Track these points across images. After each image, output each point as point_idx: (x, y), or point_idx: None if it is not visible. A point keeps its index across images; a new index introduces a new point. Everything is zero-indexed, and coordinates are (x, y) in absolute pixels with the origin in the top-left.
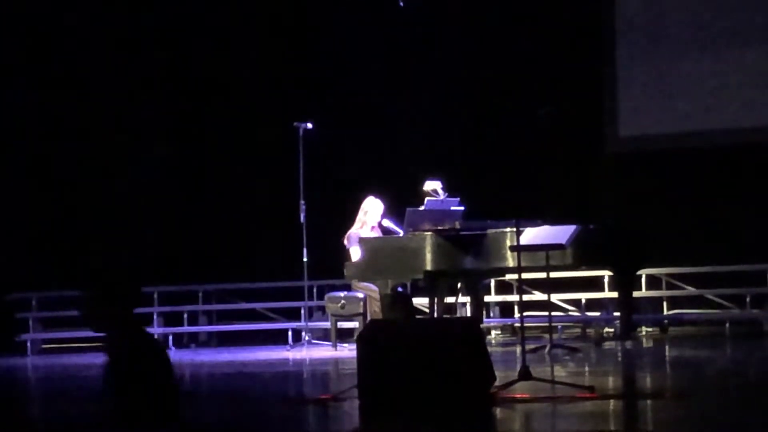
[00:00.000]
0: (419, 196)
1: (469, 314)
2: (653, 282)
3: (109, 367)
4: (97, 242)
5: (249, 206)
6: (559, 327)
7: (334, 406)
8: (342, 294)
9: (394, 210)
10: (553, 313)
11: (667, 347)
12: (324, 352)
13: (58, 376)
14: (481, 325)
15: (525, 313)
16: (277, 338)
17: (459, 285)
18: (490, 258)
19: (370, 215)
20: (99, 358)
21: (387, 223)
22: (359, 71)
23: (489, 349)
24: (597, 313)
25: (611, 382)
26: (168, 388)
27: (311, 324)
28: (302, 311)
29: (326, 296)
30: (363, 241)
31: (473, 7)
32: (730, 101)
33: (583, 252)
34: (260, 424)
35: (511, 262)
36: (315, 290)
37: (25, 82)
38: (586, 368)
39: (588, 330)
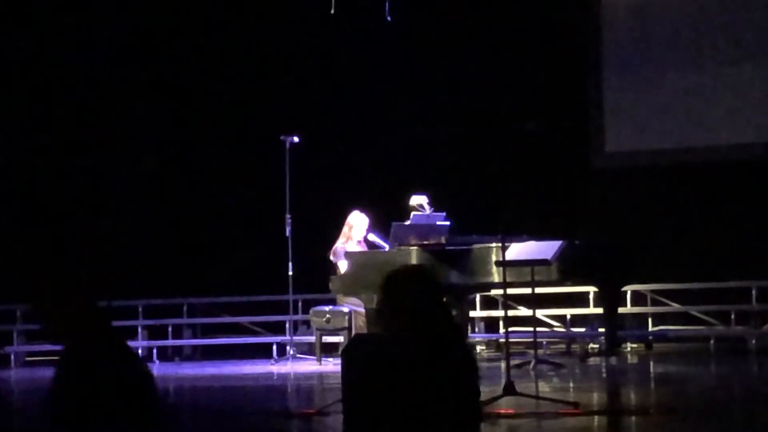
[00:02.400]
0: (405, 210)
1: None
2: (638, 298)
3: (54, 385)
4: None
5: (234, 219)
6: (544, 342)
7: (318, 420)
8: (327, 308)
9: (380, 224)
10: (538, 329)
11: (651, 363)
12: (309, 366)
13: (42, 388)
14: (467, 340)
15: (510, 329)
16: (262, 352)
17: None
18: (475, 273)
19: (356, 230)
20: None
21: (373, 237)
22: (346, 85)
23: None
24: (582, 329)
25: (596, 397)
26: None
27: (296, 338)
28: (287, 325)
29: (311, 310)
30: (349, 255)
31: (460, 23)
32: (715, 118)
33: (568, 267)
34: None
35: (496, 277)
36: (300, 304)
37: (6, 92)
38: (571, 384)
39: (573, 346)
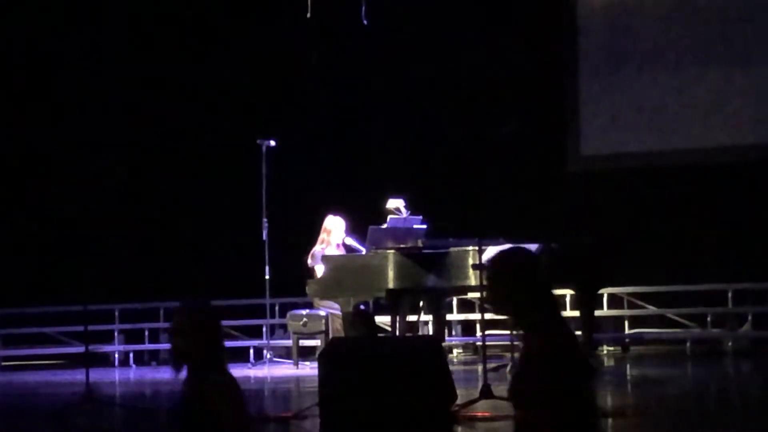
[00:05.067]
0: (382, 214)
1: (431, 332)
2: (615, 301)
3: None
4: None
5: (211, 223)
6: (521, 345)
7: (296, 423)
8: (304, 312)
9: (357, 228)
10: (514, 332)
11: (628, 366)
12: (285, 369)
13: (18, 393)
14: (443, 344)
15: (487, 332)
16: (239, 356)
17: (421, 303)
18: (452, 276)
19: (333, 234)
20: (59, 376)
21: (349, 241)
22: (322, 89)
23: (451, 367)
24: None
25: None
26: None
27: (273, 342)
28: (264, 329)
29: (288, 314)
30: (326, 259)
31: (436, 26)
32: (691, 121)
33: (545, 270)
34: None
35: (473, 280)
36: (277, 308)
37: None
38: None
39: None
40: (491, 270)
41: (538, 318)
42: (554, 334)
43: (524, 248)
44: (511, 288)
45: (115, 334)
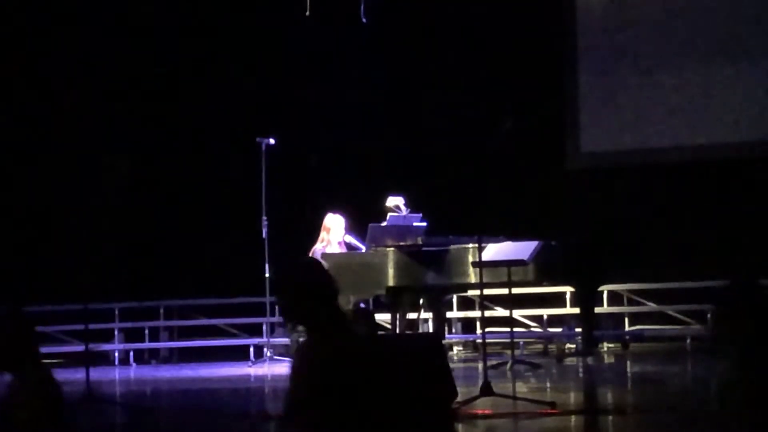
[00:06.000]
0: (382, 212)
1: (431, 330)
2: (615, 298)
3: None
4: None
5: (211, 222)
6: (521, 343)
7: None
8: None
9: (357, 226)
10: (515, 329)
11: (628, 363)
12: (285, 367)
13: None
14: (443, 341)
15: (487, 329)
16: (239, 354)
17: (421, 301)
18: (452, 274)
19: (334, 232)
20: (59, 374)
21: (349, 239)
22: (322, 87)
23: (451, 365)
24: (559, 329)
25: (573, 397)
26: None
27: (273, 340)
28: (264, 327)
29: None
30: (326, 257)
31: (435, 24)
32: (690, 118)
33: (544, 268)
34: None
35: (473, 277)
36: (277, 306)
37: None
38: (548, 384)
39: (550, 346)
40: (280, 282)
41: (321, 322)
42: (334, 336)
43: (311, 259)
44: (298, 297)
45: (116, 332)
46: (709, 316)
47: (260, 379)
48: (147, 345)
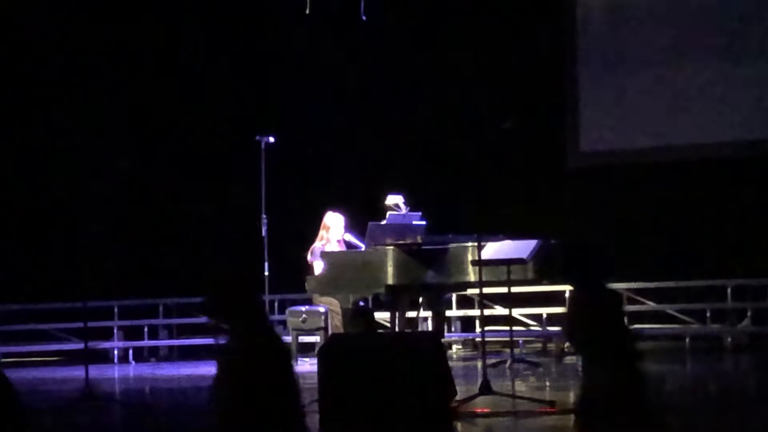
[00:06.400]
0: (381, 210)
1: (430, 329)
2: None
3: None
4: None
5: (210, 219)
6: (520, 341)
7: None
8: (303, 308)
9: (356, 224)
10: (514, 328)
11: None
12: None
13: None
14: (443, 340)
15: (486, 328)
16: None
17: (420, 299)
18: (451, 272)
19: (333, 230)
20: (56, 372)
21: (348, 237)
22: (321, 85)
23: (450, 363)
24: (558, 328)
25: (572, 396)
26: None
27: None
28: None
29: (287, 310)
30: (325, 255)
31: (435, 22)
32: (690, 117)
33: (544, 266)
34: None
35: (472, 276)
36: (276, 304)
37: None
38: (547, 383)
39: (549, 344)
40: (210, 290)
41: (245, 323)
42: (255, 336)
43: (242, 271)
44: (227, 301)
45: (115, 330)
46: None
47: None
48: (146, 343)
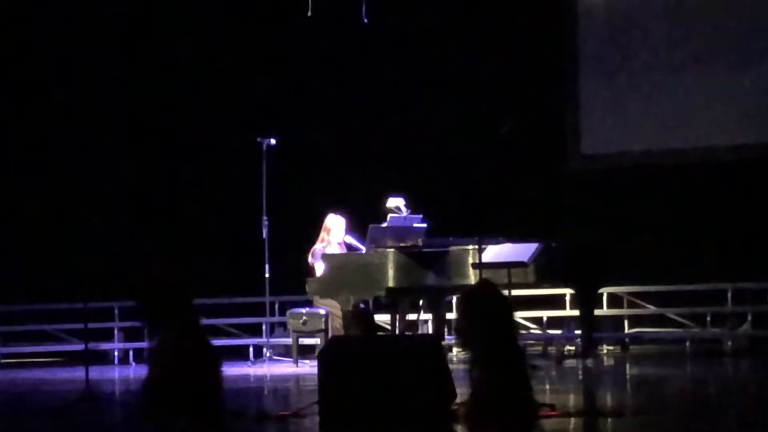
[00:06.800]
0: (382, 212)
1: (430, 331)
2: (614, 300)
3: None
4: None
5: (211, 221)
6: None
7: (295, 422)
8: (304, 310)
9: (357, 226)
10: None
11: (627, 365)
12: (285, 368)
13: (17, 390)
14: (443, 342)
15: None
16: (238, 354)
17: (421, 302)
18: (452, 275)
19: (334, 233)
20: (58, 373)
21: (349, 239)
22: (323, 87)
23: (450, 366)
24: (558, 331)
25: (572, 399)
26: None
27: (272, 340)
28: (264, 327)
29: (288, 312)
30: (326, 257)
31: (437, 26)
32: (691, 121)
33: (544, 269)
34: None
35: (473, 279)
36: (277, 306)
37: None
38: (547, 386)
39: (549, 348)
40: (139, 292)
41: (174, 325)
42: (184, 337)
43: (171, 273)
44: (156, 304)
45: (115, 331)
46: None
47: (260, 379)
48: (147, 344)
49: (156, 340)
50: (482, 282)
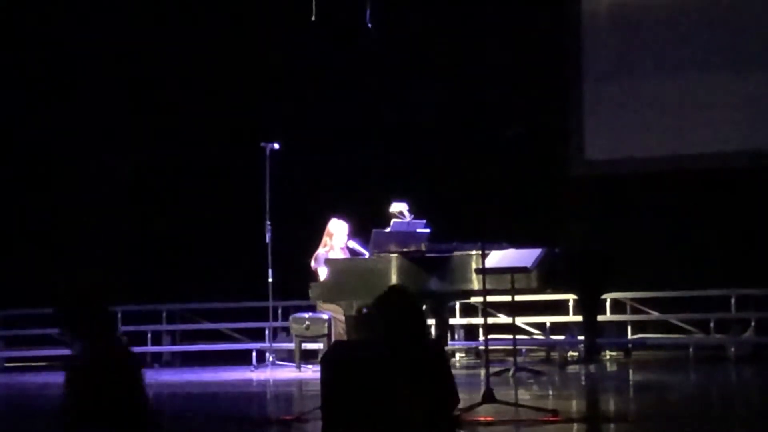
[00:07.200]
0: (385, 217)
1: (433, 336)
2: (618, 306)
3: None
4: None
5: (214, 226)
6: (524, 350)
7: (297, 427)
8: (307, 315)
9: (360, 232)
10: (517, 336)
11: (630, 371)
12: (288, 373)
13: (21, 394)
14: (446, 348)
15: (489, 336)
16: (241, 359)
17: (424, 307)
18: (455, 280)
19: (337, 237)
20: (60, 377)
21: (353, 244)
22: (326, 92)
23: (453, 371)
24: (561, 337)
25: (575, 405)
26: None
27: (275, 345)
28: (267, 332)
29: (291, 317)
30: (329, 262)
31: (440, 30)
32: (695, 126)
33: (548, 275)
34: None
35: (476, 284)
36: (280, 311)
37: None
38: (550, 391)
39: (552, 353)
40: (59, 301)
41: (91, 334)
42: (101, 347)
43: (90, 282)
44: (74, 313)
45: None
46: None
47: (262, 383)
48: (149, 349)
49: (72, 352)
50: (391, 289)
